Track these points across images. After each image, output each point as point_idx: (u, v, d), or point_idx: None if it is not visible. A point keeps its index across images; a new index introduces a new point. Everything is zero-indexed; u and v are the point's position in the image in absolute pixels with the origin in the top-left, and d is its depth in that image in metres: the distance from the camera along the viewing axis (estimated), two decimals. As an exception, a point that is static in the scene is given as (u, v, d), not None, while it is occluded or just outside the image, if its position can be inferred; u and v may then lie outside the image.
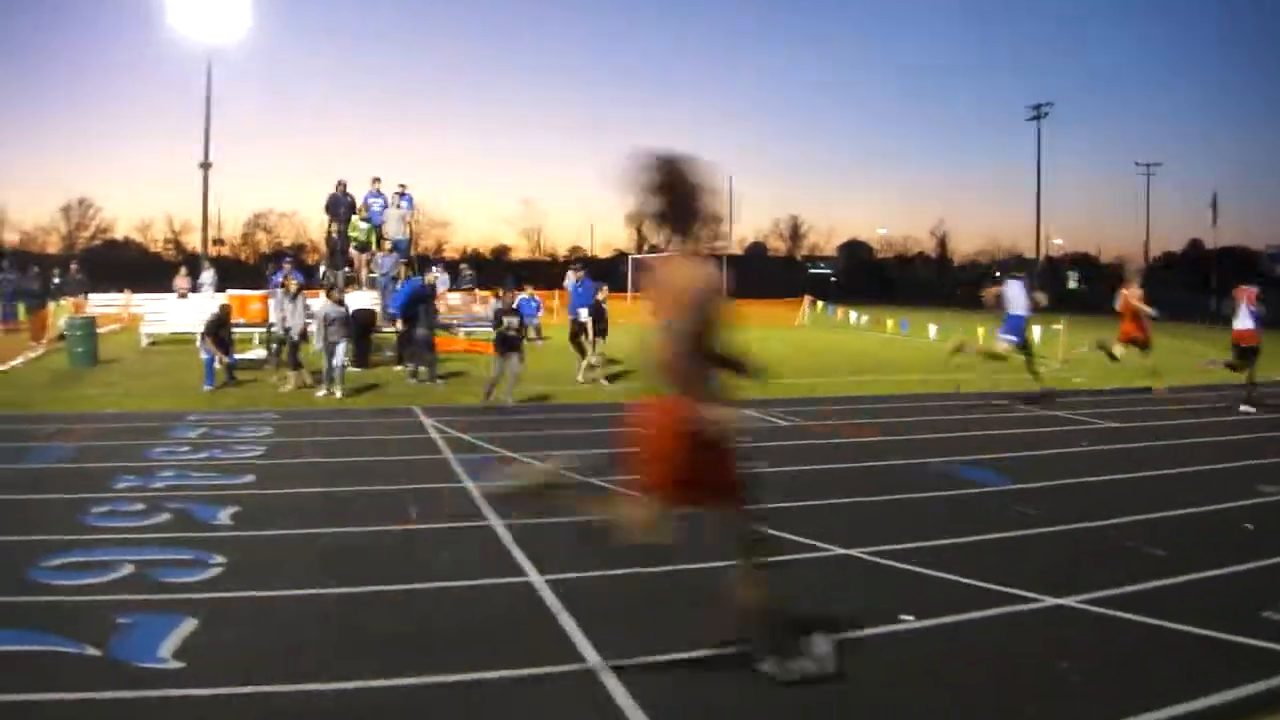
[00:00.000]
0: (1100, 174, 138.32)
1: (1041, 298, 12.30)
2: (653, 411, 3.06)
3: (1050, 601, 4.66)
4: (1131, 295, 12.90)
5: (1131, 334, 13.01)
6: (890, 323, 26.64)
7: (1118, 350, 13.11)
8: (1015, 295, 11.89)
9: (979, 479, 7.47)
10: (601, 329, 13.54)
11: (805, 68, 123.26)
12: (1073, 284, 78.70)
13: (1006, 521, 6.20)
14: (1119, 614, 4.46)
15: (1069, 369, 17.13)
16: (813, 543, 5.56)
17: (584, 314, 13.49)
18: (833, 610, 4.42)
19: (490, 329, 11.98)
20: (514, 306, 11.12)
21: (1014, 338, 11.81)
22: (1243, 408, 11.74)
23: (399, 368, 13.85)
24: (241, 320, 15.96)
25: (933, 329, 23.81)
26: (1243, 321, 12.21)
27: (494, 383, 10.72)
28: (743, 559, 3.35)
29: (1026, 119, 66.86)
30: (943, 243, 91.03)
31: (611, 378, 13.40)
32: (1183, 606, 4.53)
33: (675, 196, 2.98)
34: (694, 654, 3.88)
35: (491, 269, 44.27)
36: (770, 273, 66.17)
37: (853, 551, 5.46)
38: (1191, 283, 70.42)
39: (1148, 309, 12.90)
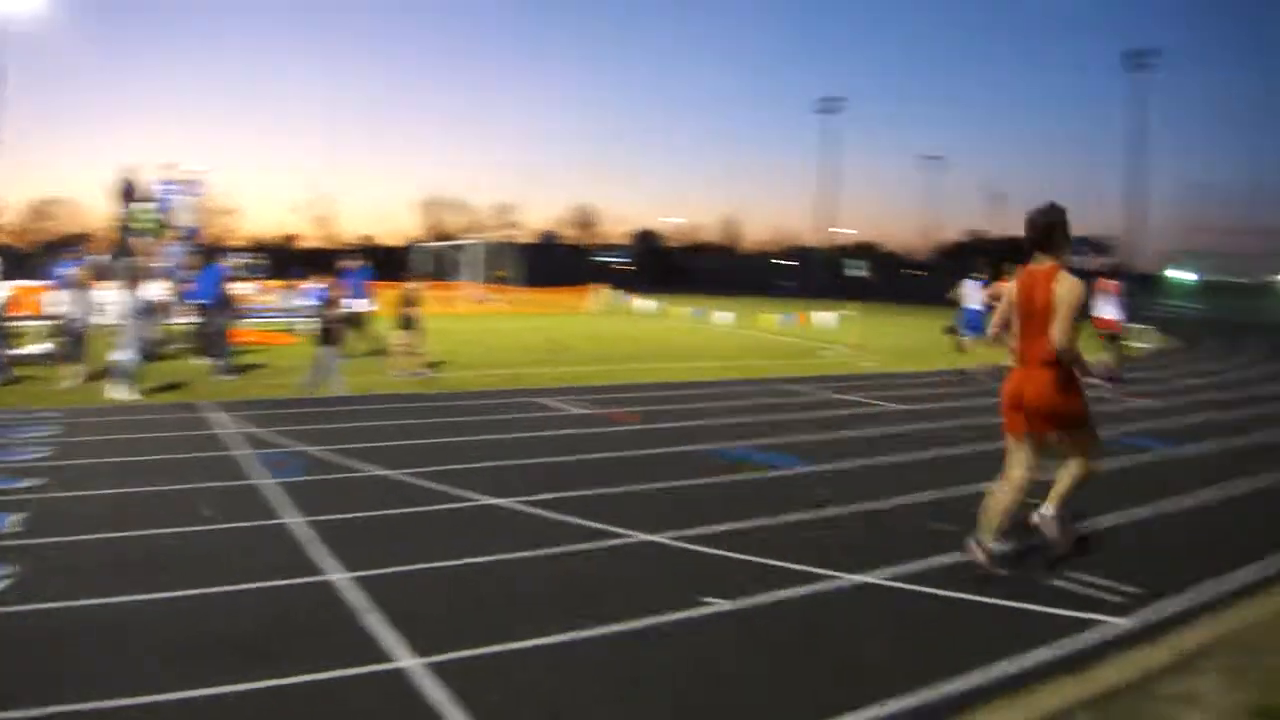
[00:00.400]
0: (887, 165, 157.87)
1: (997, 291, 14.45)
2: (1039, 378, 5.17)
3: (852, 579, 5.19)
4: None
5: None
6: (681, 310, 29.21)
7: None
8: (970, 292, 15.35)
9: (776, 462, 8.24)
10: (361, 321, 14.98)
11: (591, 54, 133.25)
12: (860, 272, 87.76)
13: (804, 503, 6.84)
14: (918, 589, 5.04)
15: (861, 355, 19.20)
16: (616, 530, 6.01)
17: (355, 305, 14.90)
18: (640, 596, 4.79)
19: (291, 319, 13.65)
20: (335, 297, 12.33)
21: (973, 332, 14.94)
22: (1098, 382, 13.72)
23: (195, 361, 14.41)
24: (24, 312, 16.69)
25: (721, 316, 25.98)
26: (1105, 311, 14.86)
27: (316, 375, 11.76)
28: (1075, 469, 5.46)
29: (815, 111, 74.22)
30: (732, 231, 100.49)
31: (430, 366, 14.11)
32: (978, 579, 5.16)
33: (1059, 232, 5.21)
34: (511, 646, 4.12)
35: (280, 258, 46.74)
36: (562, 261, 72.45)
37: (656, 537, 5.90)
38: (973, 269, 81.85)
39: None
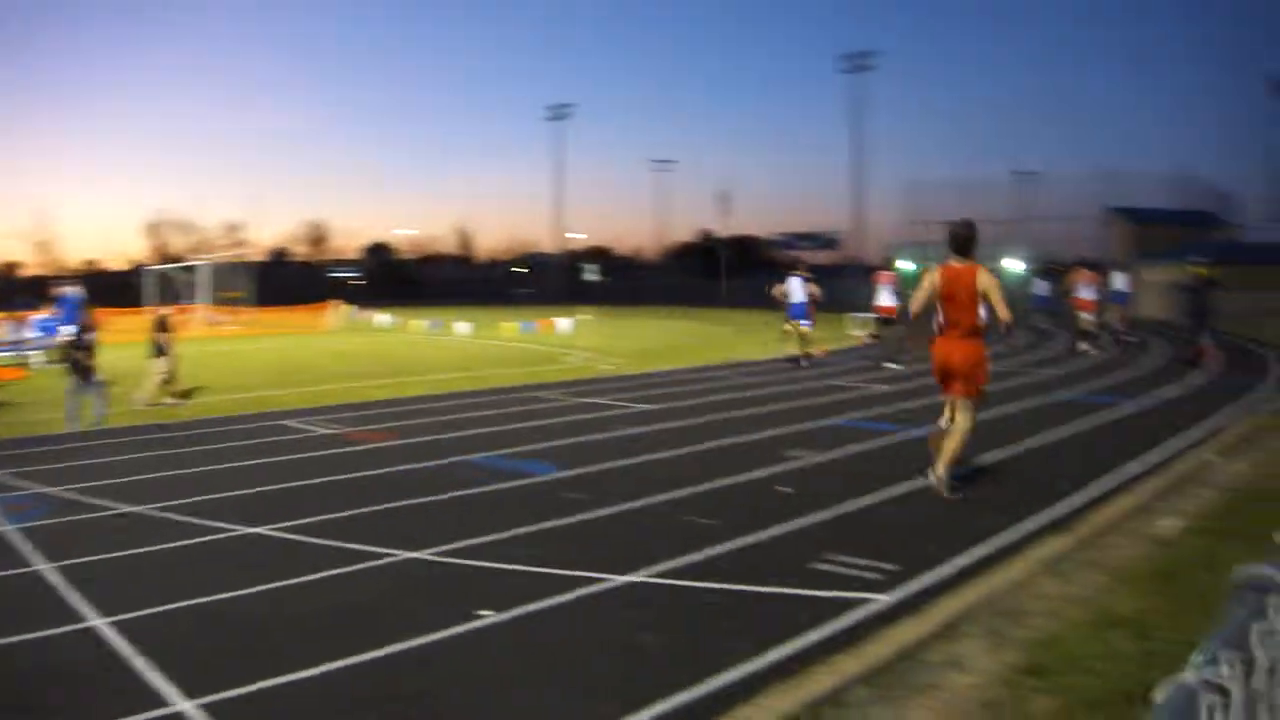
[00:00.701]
0: (619, 170, 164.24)
1: (816, 290, 17.78)
2: (963, 348, 6.92)
3: (622, 579, 5.26)
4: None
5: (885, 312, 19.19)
6: (418, 323, 28.79)
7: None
8: (795, 289, 17.60)
9: (531, 470, 8.34)
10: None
11: (315, 67, 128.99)
12: (592, 276, 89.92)
13: (563, 508, 6.92)
14: (687, 583, 5.16)
15: (602, 358, 19.71)
16: (378, 549, 5.90)
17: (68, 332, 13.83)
18: (410, 615, 4.69)
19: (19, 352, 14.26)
20: (81, 329, 12.07)
21: (805, 321, 17.68)
22: (886, 365, 17.43)
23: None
24: None
25: (460, 326, 25.75)
26: (884, 299, 18.82)
27: (74, 409, 11.61)
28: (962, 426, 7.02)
29: (547, 119, 75.60)
30: (466, 241, 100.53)
31: (178, 394, 13.73)
32: (743, 569, 5.37)
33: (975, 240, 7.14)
34: (284, 679, 4.00)
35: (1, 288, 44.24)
36: (295, 278, 71.80)
37: (420, 554, 5.82)
38: (705, 269, 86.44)
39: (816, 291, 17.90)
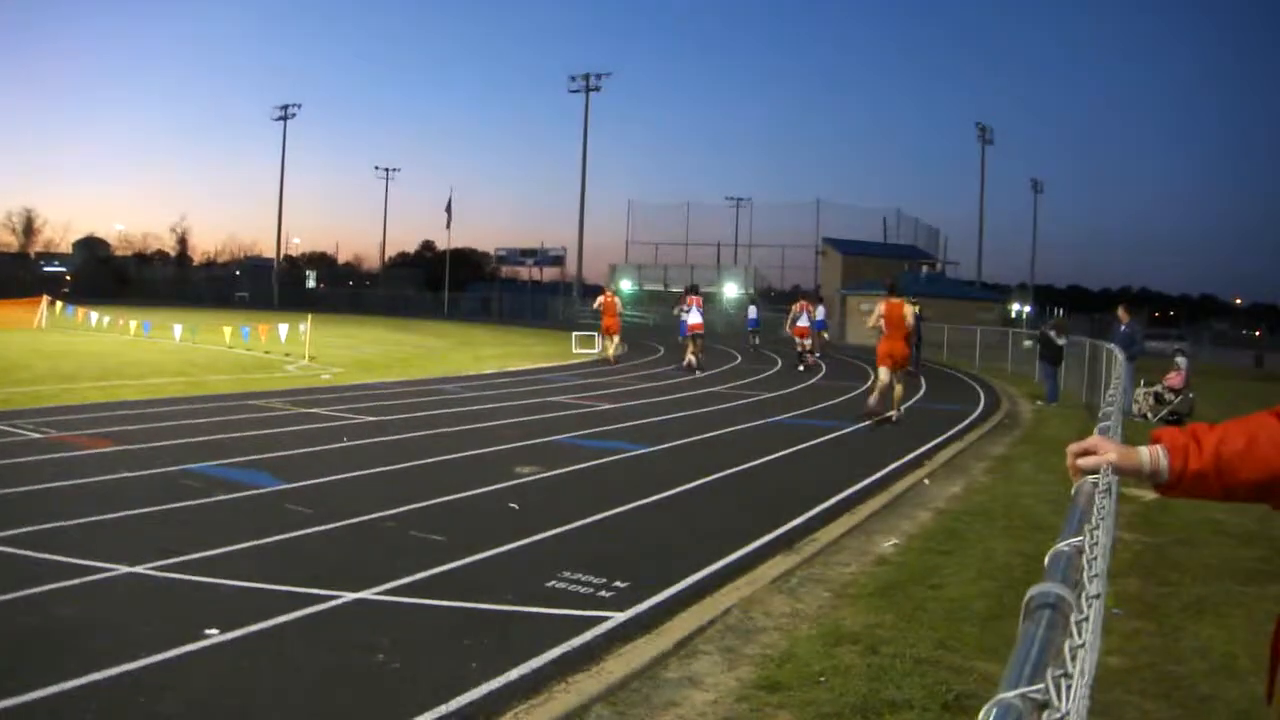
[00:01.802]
0: (343, 176, 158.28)
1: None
2: (898, 344, 13.58)
3: (350, 597, 5.05)
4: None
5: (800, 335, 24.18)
6: (133, 324, 26.50)
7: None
8: (752, 312, 28.89)
9: (251, 481, 7.90)
10: None
11: (21, 51, 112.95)
12: (311, 283, 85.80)
13: (287, 522, 6.60)
14: (419, 601, 5.04)
15: (323, 368, 18.94)
16: (94, 564, 5.41)
17: None
18: (131, 635, 4.28)
19: None
20: None
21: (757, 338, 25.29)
22: (692, 364, 21.63)
23: None
24: None
25: (177, 329, 23.86)
26: (694, 318, 22.27)
27: None
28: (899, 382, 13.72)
29: (273, 119, 71.25)
30: (184, 240, 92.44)
31: None
32: (476, 586, 5.31)
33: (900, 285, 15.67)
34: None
35: None
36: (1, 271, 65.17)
37: (139, 569, 5.37)
38: (427, 281, 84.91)
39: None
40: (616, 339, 24.10)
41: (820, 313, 27.18)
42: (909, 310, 13.84)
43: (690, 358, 22.09)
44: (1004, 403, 17.75)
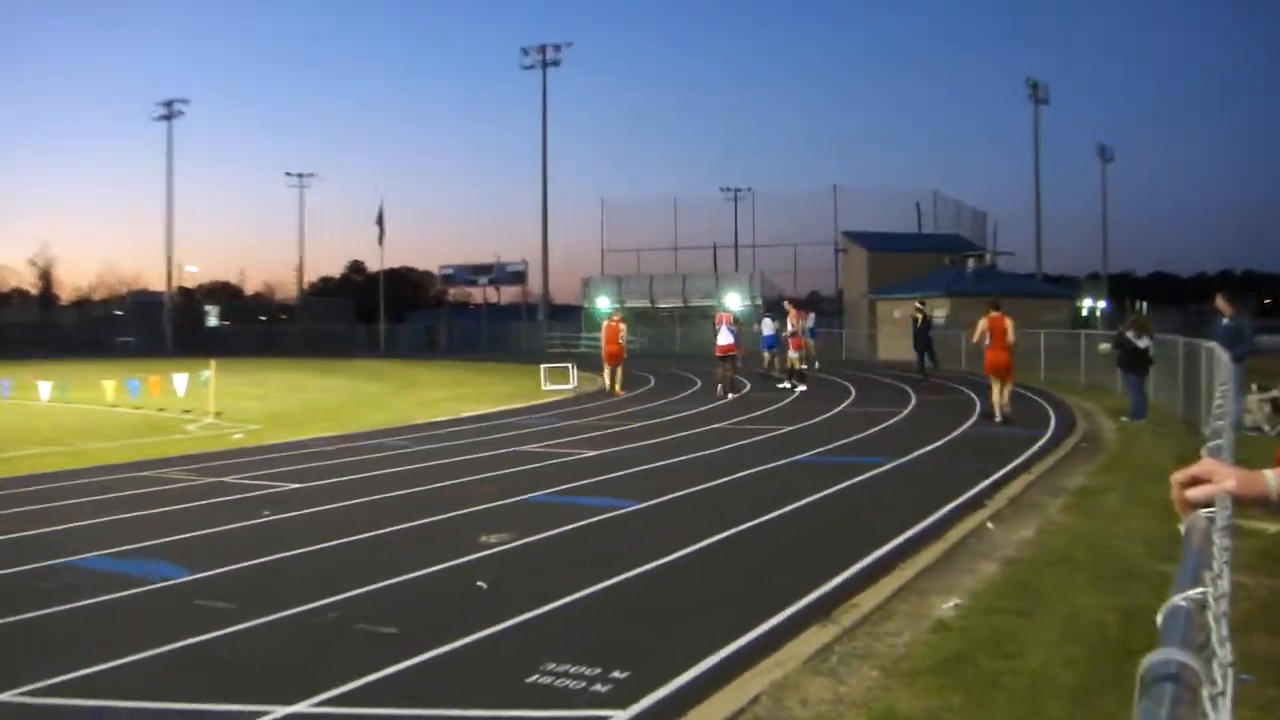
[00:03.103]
0: (245, 187, 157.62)
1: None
2: (1002, 354, 18.04)
3: (283, 711, 5.01)
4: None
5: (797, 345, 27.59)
6: None
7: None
8: (767, 327, 28.84)
9: (149, 573, 7.85)
10: None
11: None
12: (212, 321, 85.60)
13: (198, 621, 6.53)
14: (370, 711, 5.01)
15: (232, 426, 18.87)
16: None
17: None
18: None
19: None
20: None
21: (770, 351, 28.26)
22: (721, 390, 24.25)
23: None
24: None
25: (44, 387, 23.47)
26: (724, 338, 24.67)
27: None
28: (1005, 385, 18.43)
29: (154, 119, 71.30)
30: (47, 276, 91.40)
31: None
32: (440, 689, 5.28)
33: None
34: None
35: None
36: None
37: (10, 697, 5.31)
38: (358, 310, 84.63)
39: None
40: (619, 370, 26.21)
41: (810, 320, 31.76)
42: (1009, 324, 17.96)
43: (720, 384, 24.66)
44: (1080, 422, 17.84)
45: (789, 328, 26.69)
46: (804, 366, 26.78)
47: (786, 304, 28.13)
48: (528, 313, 68.76)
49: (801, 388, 25.29)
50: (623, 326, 27.08)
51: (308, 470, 13.34)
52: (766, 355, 30.77)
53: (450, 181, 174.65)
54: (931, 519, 9.55)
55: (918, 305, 29.22)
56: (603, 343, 26.63)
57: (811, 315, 32.37)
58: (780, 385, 25.69)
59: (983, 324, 18.28)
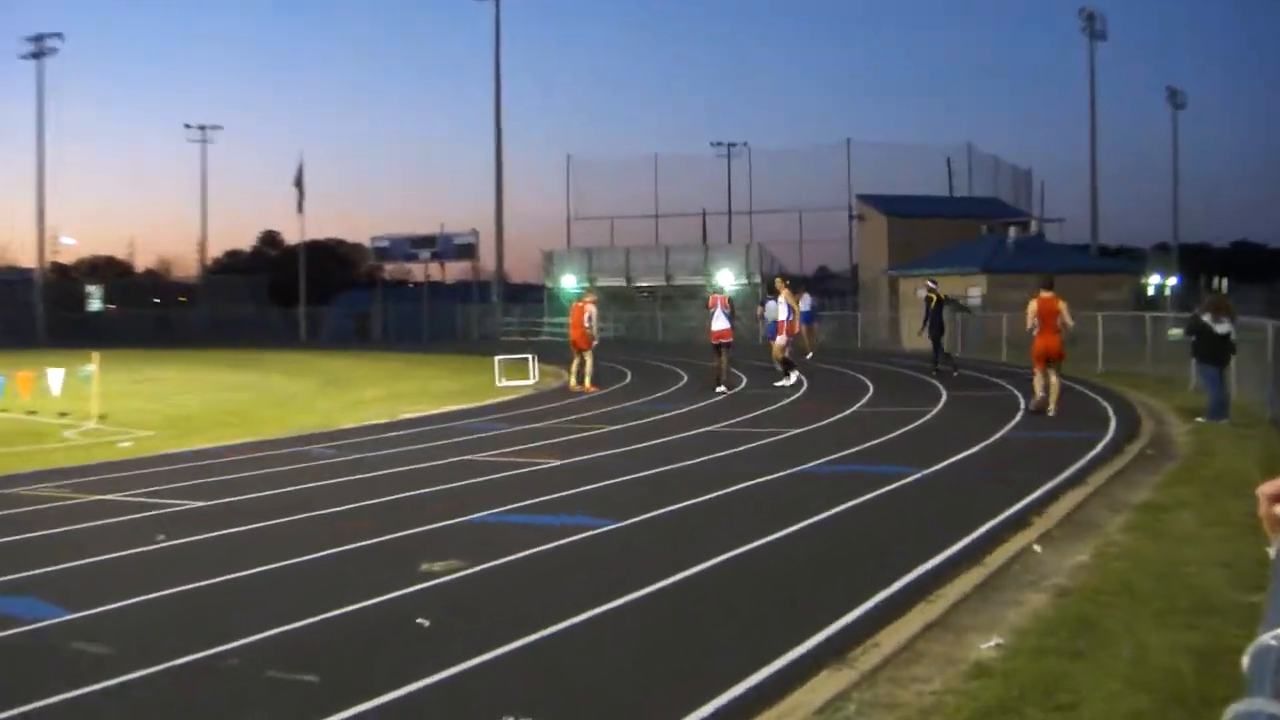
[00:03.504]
0: (135, 141, 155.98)
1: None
2: (1053, 339, 19.06)
3: None
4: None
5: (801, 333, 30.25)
6: None
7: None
8: (782, 310, 26.54)
9: (17, 612, 7.80)
10: None
11: None
12: (95, 304, 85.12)
13: (78, 670, 6.48)
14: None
15: (120, 431, 18.75)
16: None
17: None
18: None
19: None
20: None
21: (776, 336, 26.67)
22: (718, 389, 24.56)
23: None
24: None
25: None
26: (718, 323, 25.51)
27: None
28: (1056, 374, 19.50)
29: (21, 57, 70.85)
30: None
31: None
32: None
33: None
34: None
35: None
36: None
37: None
38: (274, 291, 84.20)
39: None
40: (587, 361, 26.60)
41: (806, 302, 32.12)
42: (1063, 305, 18.87)
43: (716, 373, 25.50)
44: (1146, 422, 17.95)
45: (785, 311, 26.63)
46: (788, 360, 26.78)
47: (779, 282, 28.11)
48: (479, 294, 68.65)
49: (788, 381, 25.61)
50: (590, 308, 27.21)
51: (212, 485, 13.30)
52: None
53: (385, 137, 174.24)
54: (967, 540, 9.56)
55: (929, 284, 29.59)
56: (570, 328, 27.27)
57: (806, 296, 33.02)
58: (778, 384, 25.69)
59: (1033, 306, 19.05)
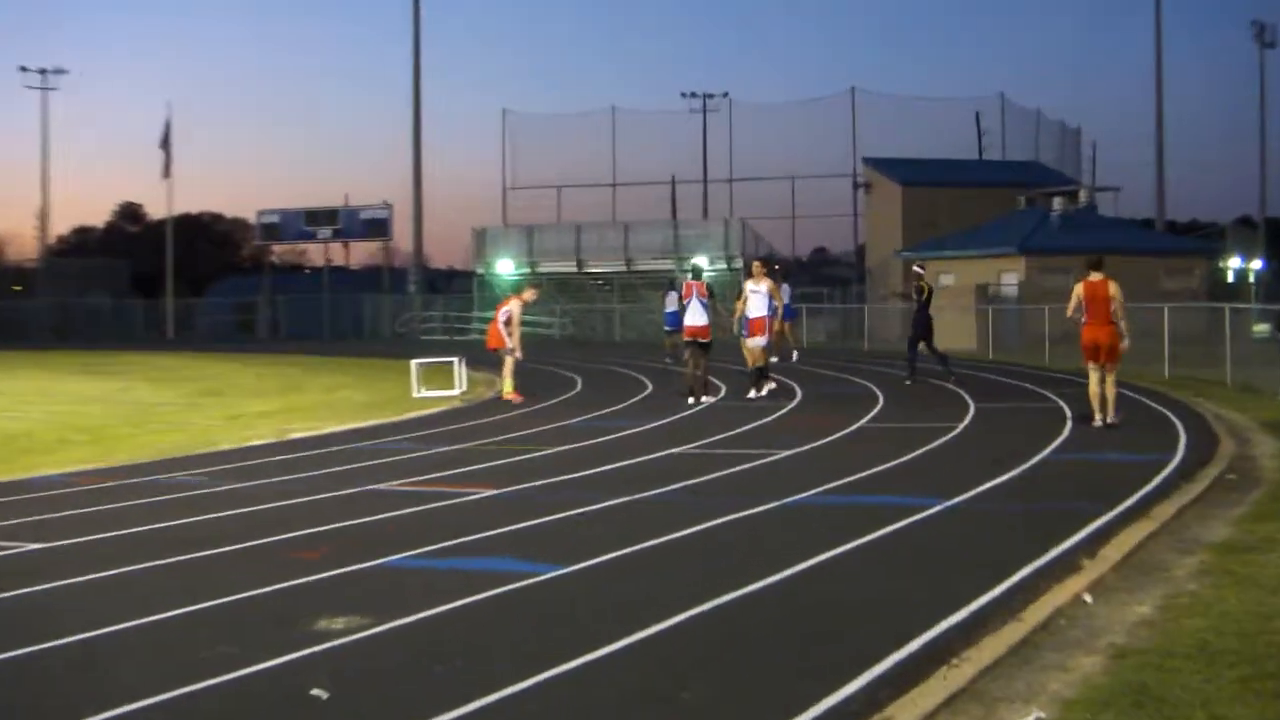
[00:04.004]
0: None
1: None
2: (1103, 331, 19.90)
3: None
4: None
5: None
6: None
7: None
8: (756, 302, 26.37)
9: None
10: None
11: None
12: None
13: None
14: None
15: None
16: None
17: None
18: None
19: None
20: None
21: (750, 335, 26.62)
22: (691, 400, 25.11)
23: None
24: None
25: None
26: (695, 317, 25.57)
27: None
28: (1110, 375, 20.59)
29: None
30: None
31: None
32: None
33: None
34: None
35: None
36: None
37: None
38: (134, 277, 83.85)
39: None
40: (506, 365, 26.87)
41: (784, 293, 32.93)
42: (1116, 289, 19.43)
43: (690, 380, 25.74)
44: (1224, 441, 18.07)
45: (763, 304, 26.30)
46: (764, 366, 26.96)
47: (757, 267, 27.86)
48: (393, 281, 68.64)
49: (760, 393, 25.92)
50: (513, 306, 27.26)
51: (54, 522, 13.26)
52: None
53: (276, 87, 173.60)
54: (1001, 589, 9.53)
55: (916, 269, 30.26)
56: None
57: (785, 286, 33.99)
58: (750, 396, 25.85)
59: (1079, 291, 19.60)
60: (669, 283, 43.34)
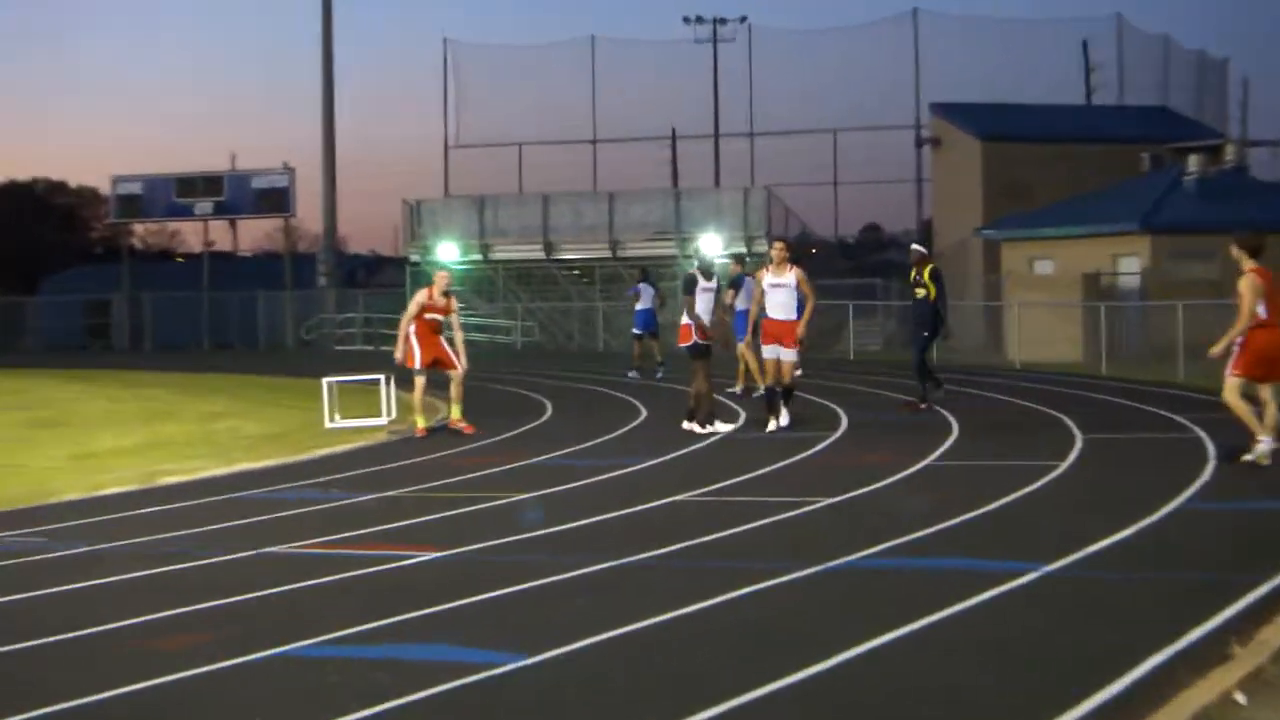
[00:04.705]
0: None
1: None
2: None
3: None
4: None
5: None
6: None
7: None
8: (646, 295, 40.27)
9: None
10: None
11: None
12: None
13: None
14: None
15: None
16: None
17: None
18: None
19: None
20: None
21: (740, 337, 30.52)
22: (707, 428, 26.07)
23: None
24: None
25: None
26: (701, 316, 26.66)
27: None
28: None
29: None
30: None
31: None
32: None
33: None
34: None
35: None
36: None
37: None
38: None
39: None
40: (453, 385, 27.14)
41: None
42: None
43: (692, 401, 26.50)
44: None
45: (786, 300, 26.06)
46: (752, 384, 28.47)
47: (778, 249, 26.81)
48: (298, 273, 68.53)
49: (782, 423, 25.96)
50: (419, 300, 27.48)
51: None
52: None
53: (139, 17, 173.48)
54: (1123, 683, 9.52)
55: (920, 250, 30.27)
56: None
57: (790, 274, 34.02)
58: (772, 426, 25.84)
59: (1255, 283, 19.46)
60: (642, 273, 44.26)
